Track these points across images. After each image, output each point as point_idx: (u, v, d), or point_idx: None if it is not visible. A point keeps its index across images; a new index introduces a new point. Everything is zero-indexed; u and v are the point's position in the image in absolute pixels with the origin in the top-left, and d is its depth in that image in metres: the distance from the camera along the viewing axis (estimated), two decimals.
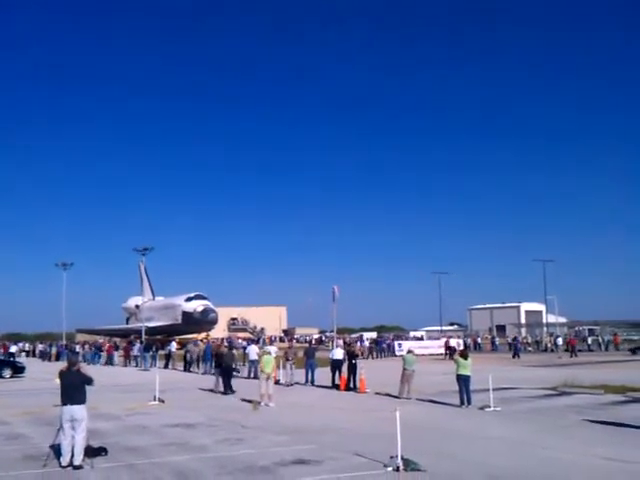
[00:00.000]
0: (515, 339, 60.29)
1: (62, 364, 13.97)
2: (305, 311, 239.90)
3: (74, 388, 11.07)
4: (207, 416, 17.72)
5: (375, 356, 53.16)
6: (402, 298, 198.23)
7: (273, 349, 31.60)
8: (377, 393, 23.11)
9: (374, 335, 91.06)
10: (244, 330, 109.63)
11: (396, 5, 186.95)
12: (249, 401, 20.47)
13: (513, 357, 49.04)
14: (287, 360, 28.03)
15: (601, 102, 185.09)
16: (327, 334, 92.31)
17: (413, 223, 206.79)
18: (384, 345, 57.64)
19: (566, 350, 54.57)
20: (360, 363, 26.16)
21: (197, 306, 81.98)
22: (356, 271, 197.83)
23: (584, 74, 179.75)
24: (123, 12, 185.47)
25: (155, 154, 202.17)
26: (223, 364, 25.08)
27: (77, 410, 10.97)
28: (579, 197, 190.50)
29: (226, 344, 41.10)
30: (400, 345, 57.44)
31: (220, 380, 24.87)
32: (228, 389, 24.25)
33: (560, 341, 59.70)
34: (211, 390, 24.94)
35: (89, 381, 11.26)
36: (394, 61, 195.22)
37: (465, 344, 56.65)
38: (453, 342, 52.66)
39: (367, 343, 58.19)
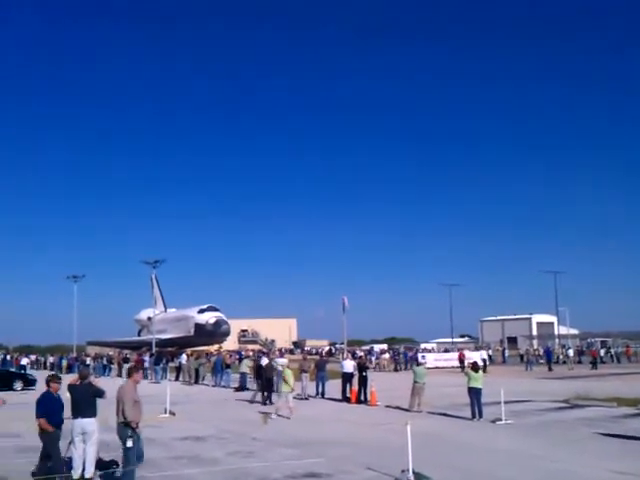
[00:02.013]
0: (527, 352, 59.46)
1: (73, 376, 14.00)
2: (315, 323, 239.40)
3: (85, 401, 11.01)
4: (218, 428, 17.71)
5: (398, 368, 51.97)
6: (413, 310, 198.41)
7: (284, 362, 31.59)
8: (388, 406, 23.02)
9: (385, 347, 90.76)
10: (254, 342, 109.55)
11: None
12: (265, 413, 20.47)
13: (526, 369, 48.48)
14: (302, 372, 27.85)
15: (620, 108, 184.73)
16: (337, 346, 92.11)
17: (424, 234, 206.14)
18: (408, 357, 55.62)
19: (590, 362, 52.76)
20: (371, 375, 26.09)
21: (209, 318, 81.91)
22: (366, 283, 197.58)
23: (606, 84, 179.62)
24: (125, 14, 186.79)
25: (166, 165, 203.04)
26: (264, 376, 25.60)
27: (88, 423, 10.95)
28: (590, 207, 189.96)
29: (257, 356, 40.93)
30: (424, 357, 54.99)
31: (259, 392, 25.76)
32: (268, 400, 24.55)
33: (571, 353, 58.74)
34: (249, 401, 25.39)
35: (100, 394, 11.19)
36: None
37: (489, 357, 53.65)
38: (476, 355, 51.05)
39: (388, 355, 56.03)
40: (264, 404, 24.12)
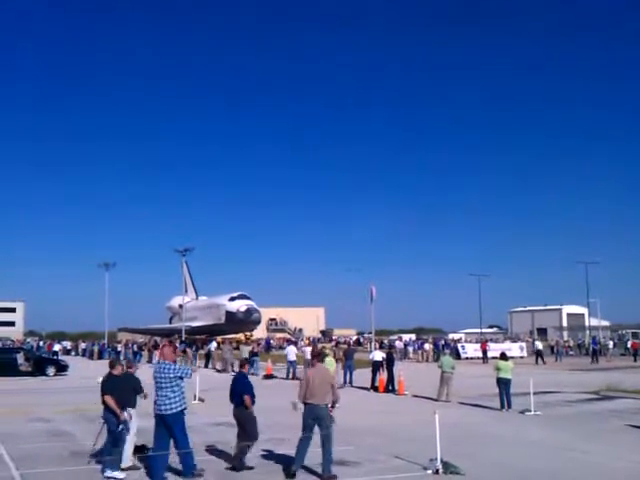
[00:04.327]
0: (557, 343, 58.41)
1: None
2: (343, 312, 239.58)
3: (127, 392, 11.08)
4: None
5: (436, 359, 50.73)
6: (441, 300, 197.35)
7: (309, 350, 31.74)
8: (416, 396, 23.03)
9: (413, 337, 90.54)
10: (282, 331, 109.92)
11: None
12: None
13: (556, 360, 47.91)
14: (336, 361, 27.68)
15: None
16: (365, 335, 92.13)
17: (452, 224, 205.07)
18: (449, 348, 52.62)
19: (633, 354, 51.23)
20: (398, 365, 26.08)
21: (240, 306, 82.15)
22: (395, 272, 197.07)
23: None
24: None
25: (194, 155, 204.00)
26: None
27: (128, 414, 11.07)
28: (623, 198, 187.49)
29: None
30: (464, 347, 55.18)
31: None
32: None
33: (611, 344, 56.81)
34: None
35: (139, 390, 11.28)
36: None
37: (540, 352, 46.93)
38: (515, 347, 49.56)
39: (428, 346, 52.92)
40: None
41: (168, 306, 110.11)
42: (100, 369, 11.98)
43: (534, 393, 19.04)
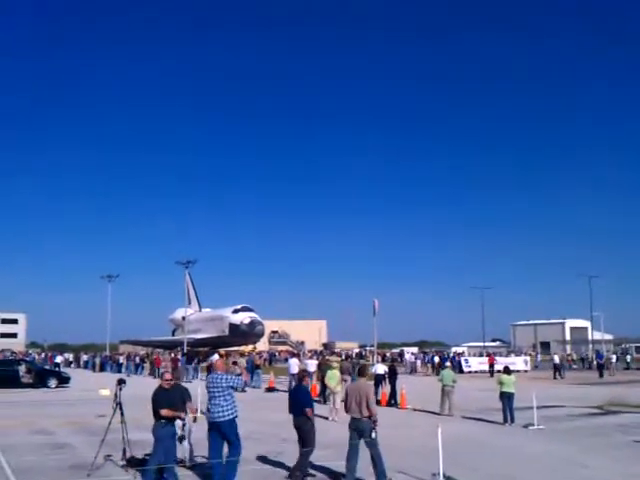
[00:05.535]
0: (561, 357, 57.02)
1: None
2: (345, 325, 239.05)
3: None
4: (246, 429, 17.66)
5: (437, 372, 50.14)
6: (444, 313, 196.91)
7: (313, 363, 31.68)
8: (418, 410, 22.94)
9: (415, 350, 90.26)
10: (284, 343, 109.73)
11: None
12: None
13: (554, 377, 44.86)
14: (342, 374, 27.56)
15: None
16: (367, 348, 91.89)
17: (456, 237, 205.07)
18: (455, 362, 52.16)
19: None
20: (404, 378, 25.99)
21: (244, 318, 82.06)
22: (398, 285, 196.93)
23: None
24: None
25: (197, 167, 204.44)
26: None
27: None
28: (625, 213, 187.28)
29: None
30: (467, 361, 54.73)
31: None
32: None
33: (614, 358, 56.01)
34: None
35: (188, 399, 11.55)
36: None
37: (558, 366, 46.75)
38: (519, 361, 49.26)
39: (437, 359, 52.10)
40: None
41: (171, 318, 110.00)
42: (102, 381, 11.96)
43: (538, 407, 18.95)
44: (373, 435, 10.88)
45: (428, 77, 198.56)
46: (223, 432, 10.50)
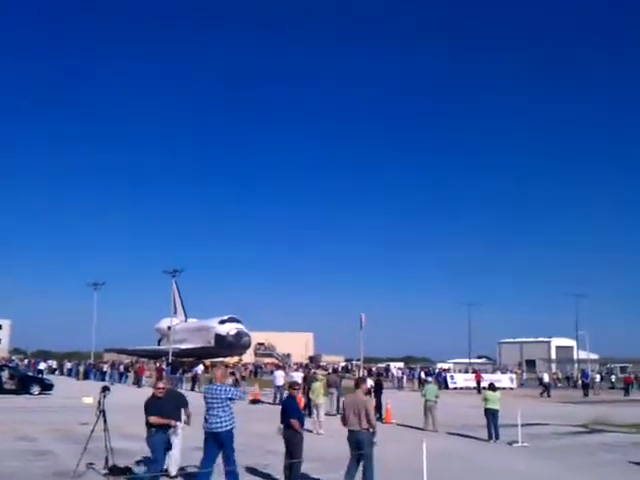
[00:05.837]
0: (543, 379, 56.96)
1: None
2: (332, 338, 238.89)
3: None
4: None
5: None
6: (430, 329, 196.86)
7: (298, 375, 31.63)
8: (402, 425, 22.90)
9: (401, 365, 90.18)
10: (270, 356, 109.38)
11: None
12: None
13: (541, 395, 44.93)
14: (329, 387, 27.54)
15: None
16: (353, 362, 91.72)
17: (444, 253, 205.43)
18: (441, 378, 52.70)
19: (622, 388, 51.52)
20: (391, 393, 25.95)
21: (230, 329, 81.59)
22: (384, 300, 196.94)
23: None
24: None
25: (186, 175, 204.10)
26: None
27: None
28: (612, 231, 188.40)
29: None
30: (453, 377, 54.85)
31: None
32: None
33: (598, 378, 56.61)
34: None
35: (184, 405, 11.76)
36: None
37: (547, 385, 46.86)
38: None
39: (423, 375, 51.29)
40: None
41: (157, 327, 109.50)
42: (85, 389, 11.90)
43: (522, 425, 18.94)
44: (374, 439, 11.09)
45: (428, 77, 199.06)
46: (220, 442, 10.52)
